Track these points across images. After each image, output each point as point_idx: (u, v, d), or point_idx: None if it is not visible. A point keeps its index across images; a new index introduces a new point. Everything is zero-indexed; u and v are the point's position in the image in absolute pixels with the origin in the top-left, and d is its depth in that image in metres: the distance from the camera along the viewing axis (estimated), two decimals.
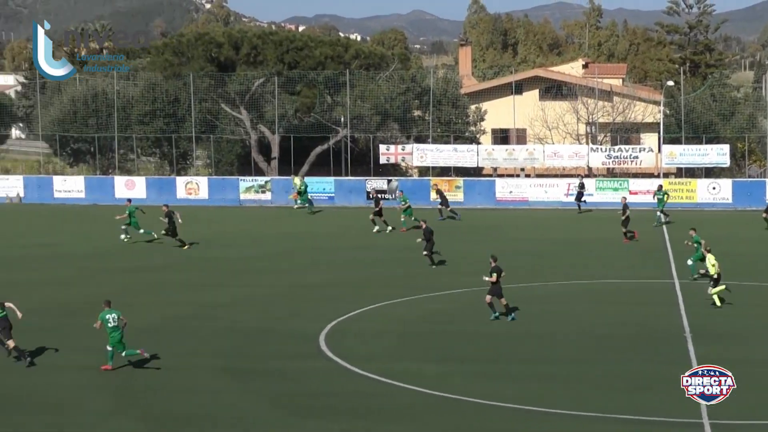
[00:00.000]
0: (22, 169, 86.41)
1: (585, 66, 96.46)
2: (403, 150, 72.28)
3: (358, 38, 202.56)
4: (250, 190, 71.17)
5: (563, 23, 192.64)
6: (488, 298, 33.71)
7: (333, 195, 70.07)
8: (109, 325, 27.90)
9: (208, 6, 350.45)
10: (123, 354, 28.12)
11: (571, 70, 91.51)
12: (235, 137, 77.84)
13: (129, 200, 54.35)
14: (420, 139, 74.98)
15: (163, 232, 50.18)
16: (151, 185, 72.45)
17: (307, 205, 65.81)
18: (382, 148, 72.46)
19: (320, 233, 56.55)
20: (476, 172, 74.35)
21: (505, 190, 69.22)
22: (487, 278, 33.66)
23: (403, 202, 57.06)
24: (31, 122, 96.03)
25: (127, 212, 51.62)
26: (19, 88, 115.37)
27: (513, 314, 33.99)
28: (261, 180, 71.71)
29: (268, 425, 24.01)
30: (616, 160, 69.81)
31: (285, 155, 74.56)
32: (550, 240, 53.66)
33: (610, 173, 73.58)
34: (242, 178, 72.77)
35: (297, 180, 67.96)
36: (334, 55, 74.81)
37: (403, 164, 75.31)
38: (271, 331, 32.95)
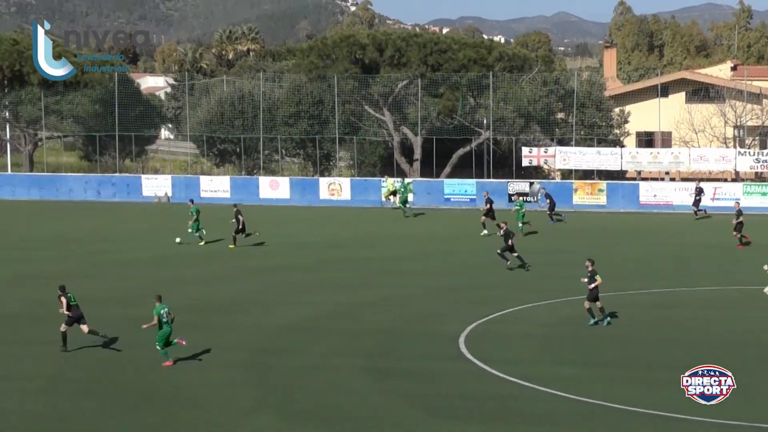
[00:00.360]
0: (170, 169, 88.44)
1: (733, 68, 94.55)
2: (545, 152, 71.79)
3: (502, 40, 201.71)
4: None
5: (711, 24, 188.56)
6: (587, 303, 33.44)
7: (474, 197, 69.91)
8: (163, 319, 28.61)
9: (353, 8, 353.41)
10: (159, 347, 28.85)
11: (719, 72, 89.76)
12: (378, 139, 78.36)
13: (191, 200, 55.39)
14: (563, 142, 74.40)
15: (233, 233, 50.99)
16: (295, 186, 73.42)
17: (402, 207, 64.76)
18: (525, 150, 72.04)
19: (461, 235, 56.53)
20: (620, 175, 73.47)
21: (649, 193, 68.28)
22: (591, 286, 33.21)
23: (518, 207, 56.50)
24: (179, 123, 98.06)
25: (191, 212, 52.52)
26: (168, 89, 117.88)
27: (608, 318, 33.62)
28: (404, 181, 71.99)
29: (407, 425, 24.10)
30: (765, 164, 68.33)
31: (427, 157, 74.74)
32: (694, 244, 52.76)
33: (759, 177, 71.99)
34: (384, 179, 73.12)
35: (390, 181, 68.07)
36: (477, 58, 74.60)
37: (545, 167, 74.87)
38: (411, 332, 33.09)
